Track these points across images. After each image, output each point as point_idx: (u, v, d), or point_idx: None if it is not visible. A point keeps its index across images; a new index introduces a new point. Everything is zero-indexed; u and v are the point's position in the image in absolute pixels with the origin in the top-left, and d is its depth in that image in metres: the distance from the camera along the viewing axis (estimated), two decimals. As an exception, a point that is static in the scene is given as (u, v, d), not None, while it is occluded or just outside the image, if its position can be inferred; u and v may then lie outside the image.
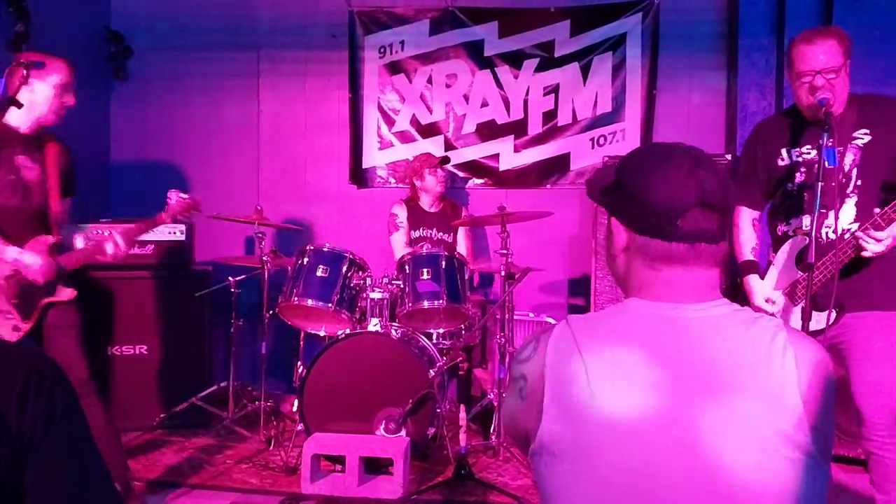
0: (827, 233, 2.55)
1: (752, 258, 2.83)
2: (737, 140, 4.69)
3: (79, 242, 3.13)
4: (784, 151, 2.72)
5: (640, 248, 1.18)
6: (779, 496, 1.02)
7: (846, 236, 2.53)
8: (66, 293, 2.98)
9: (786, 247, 2.70)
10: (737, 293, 2.84)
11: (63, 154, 3.09)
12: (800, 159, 2.67)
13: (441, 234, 4.65)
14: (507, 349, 3.82)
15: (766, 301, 2.72)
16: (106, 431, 3.00)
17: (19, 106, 2.79)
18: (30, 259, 2.87)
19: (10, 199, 2.90)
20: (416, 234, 4.67)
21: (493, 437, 3.85)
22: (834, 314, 2.50)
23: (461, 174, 5.18)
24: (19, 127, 2.94)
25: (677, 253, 1.15)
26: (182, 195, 3.22)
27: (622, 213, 1.21)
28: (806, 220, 2.63)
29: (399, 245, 4.63)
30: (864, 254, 2.45)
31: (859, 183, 2.56)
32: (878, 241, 2.42)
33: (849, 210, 2.58)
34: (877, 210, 2.43)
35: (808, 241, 2.40)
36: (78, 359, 2.97)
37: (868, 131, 2.55)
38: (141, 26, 5.24)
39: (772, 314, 2.67)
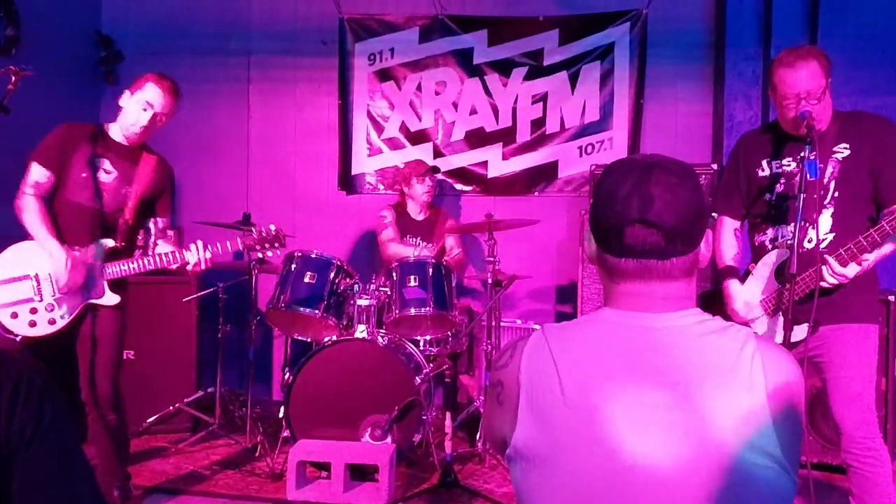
0: (804, 243, 2.58)
1: (731, 264, 2.85)
2: (723, 149, 4.72)
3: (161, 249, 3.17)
4: (765, 163, 2.75)
5: (600, 261, 1.21)
6: (744, 501, 1.04)
7: (822, 246, 2.55)
8: (111, 298, 3.04)
9: (766, 258, 2.72)
10: (715, 300, 2.86)
11: (158, 171, 3.18)
12: (780, 171, 2.70)
13: (425, 243, 4.63)
14: (494, 356, 3.84)
15: (744, 305, 2.73)
16: (116, 444, 3.08)
17: (7, 111, 2.79)
18: (56, 265, 2.91)
19: (78, 196, 3.01)
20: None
21: (479, 444, 3.87)
22: (807, 328, 2.53)
23: (450, 181, 5.20)
24: (116, 136, 3.11)
25: (627, 269, 1.17)
26: (271, 228, 3.24)
27: (590, 223, 1.23)
28: (784, 231, 2.66)
29: (390, 239, 4.61)
30: (822, 284, 2.47)
31: (836, 195, 2.59)
32: (840, 275, 2.45)
33: (825, 221, 2.60)
34: (842, 250, 2.46)
35: (788, 253, 2.43)
36: (108, 374, 3.03)
37: (847, 145, 2.58)
38: (131, 31, 5.24)
39: (749, 319, 2.69)
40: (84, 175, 3.00)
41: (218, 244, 3.08)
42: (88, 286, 2.99)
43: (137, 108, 3.06)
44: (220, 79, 5.28)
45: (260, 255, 3.26)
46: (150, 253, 3.14)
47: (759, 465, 1.04)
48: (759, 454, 1.04)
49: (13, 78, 2.82)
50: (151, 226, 3.24)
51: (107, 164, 3.06)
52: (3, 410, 0.96)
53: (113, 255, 3.05)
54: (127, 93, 3.10)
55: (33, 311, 2.94)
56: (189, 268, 3.05)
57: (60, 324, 2.96)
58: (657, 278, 1.16)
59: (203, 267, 3.05)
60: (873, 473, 2.49)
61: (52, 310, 2.95)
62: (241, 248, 3.18)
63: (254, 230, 3.23)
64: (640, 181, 1.14)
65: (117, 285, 3.06)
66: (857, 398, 2.52)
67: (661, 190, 1.13)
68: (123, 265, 3.03)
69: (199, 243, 3.04)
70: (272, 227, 3.24)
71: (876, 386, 2.65)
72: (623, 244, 1.15)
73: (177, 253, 3.04)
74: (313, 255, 3.94)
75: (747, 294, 2.75)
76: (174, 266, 3.06)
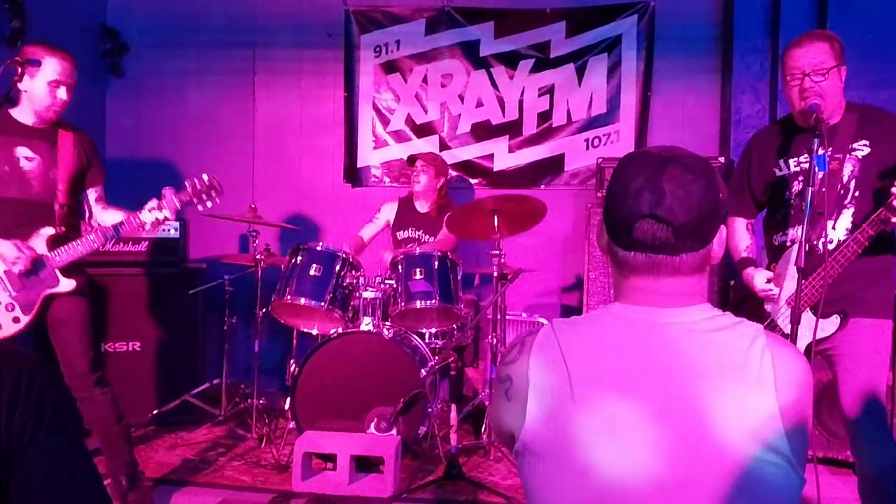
0: (823, 243, 2.52)
1: (746, 255, 2.81)
2: (730, 142, 4.71)
3: (107, 219, 3.15)
4: (781, 162, 2.70)
5: (611, 254, 1.21)
6: (752, 497, 1.03)
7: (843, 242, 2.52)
8: (67, 284, 3.00)
9: (788, 255, 2.64)
10: (727, 297, 2.84)
11: (78, 145, 3.10)
12: (797, 169, 2.64)
13: (427, 236, 4.61)
14: (499, 349, 3.84)
15: (768, 282, 2.66)
16: (111, 424, 3.06)
17: (14, 103, 2.81)
18: (3, 248, 2.88)
19: (5, 191, 2.94)
20: (404, 234, 4.64)
21: (484, 437, 3.87)
22: (838, 319, 2.51)
23: (455, 174, 5.19)
24: (25, 119, 2.98)
25: (635, 262, 1.16)
26: (204, 177, 3.19)
27: (603, 215, 1.23)
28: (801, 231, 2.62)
29: (359, 239, 4.62)
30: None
31: (857, 194, 2.54)
32: None
33: (845, 221, 2.55)
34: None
35: (807, 248, 2.39)
36: (77, 353, 3.01)
37: (867, 142, 2.53)
38: (137, 23, 5.25)
39: (774, 297, 2.65)
40: (7, 168, 2.93)
41: (164, 202, 3.07)
42: (40, 278, 2.95)
43: (47, 88, 2.91)
44: (226, 71, 5.27)
45: (200, 207, 3.19)
46: (96, 227, 3.11)
47: (768, 461, 1.04)
48: (768, 451, 1.04)
49: (19, 70, 2.83)
50: (89, 196, 3.19)
51: (27, 152, 2.97)
52: (3, 408, 0.94)
53: (57, 242, 2.99)
54: (26, 77, 2.90)
55: None
56: (147, 228, 3.08)
57: (25, 320, 2.95)
58: (666, 273, 1.15)
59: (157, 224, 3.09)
60: (882, 466, 2.48)
61: (12, 309, 2.93)
62: (179, 206, 3.12)
63: (187, 184, 3.16)
64: (653, 175, 1.13)
65: (71, 271, 3.02)
66: (869, 391, 2.50)
67: (674, 185, 1.12)
68: (71, 249, 2.99)
69: (154, 202, 3.05)
70: (205, 176, 3.19)
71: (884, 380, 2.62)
72: (632, 238, 1.14)
73: (132, 218, 3.05)
74: (319, 248, 3.94)
75: (772, 280, 2.70)
76: (132, 233, 3.09)
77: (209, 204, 3.19)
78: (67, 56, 2.97)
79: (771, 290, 2.64)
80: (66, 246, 2.99)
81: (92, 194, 3.20)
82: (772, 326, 2.65)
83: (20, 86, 2.93)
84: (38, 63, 2.86)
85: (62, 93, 2.96)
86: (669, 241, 1.13)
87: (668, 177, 1.12)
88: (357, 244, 4.54)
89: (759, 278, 2.68)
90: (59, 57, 2.94)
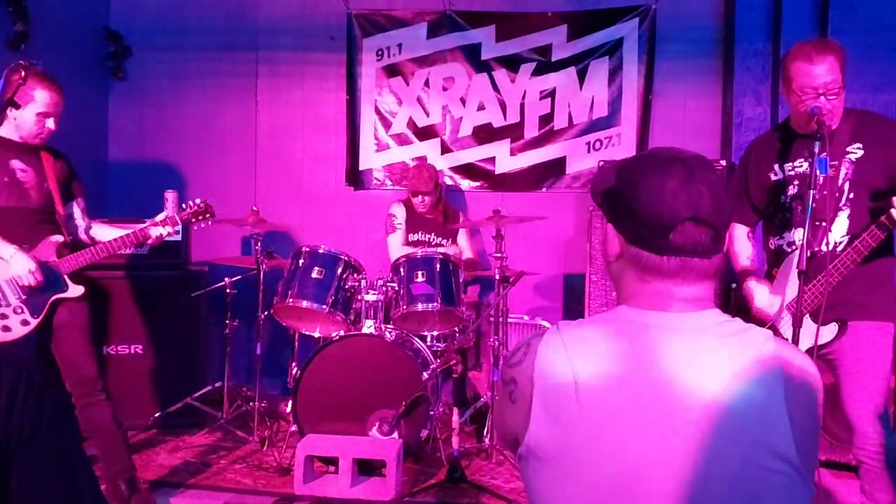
0: (821, 246, 2.52)
1: (747, 265, 2.81)
2: (732, 145, 4.71)
3: (106, 234, 3.27)
4: (776, 166, 2.71)
5: (632, 259, 1.18)
6: None
7: (839, 249, 2.53)
8: (76, 290, 3.08)
9: (789, 261, 2.65)
10: (728, 300, 2.84)
11: (58, 160, 3.19)
12: (792, 173, 2.66)
13: (440, 239, 4.62)
14: (501, 352, 3.84)
15: (768, 301, 2.67)
16: (112, 430, 3.09)
17: (17, 107, 2.82)
18: (18, 265, 2.93)
19: (7, 200, 3.00)
20: (414, 237, 4.65)
21: (487, 440, 3.87)
22: (836, 327, 2.51)
23: (457, 177, 5.20)
24: (11, 136, 3.05)
25: (668, 267, 1.14)
26: (197, 201, 3.39)
27: (616, 221, 1.21)
28: (798, 234, 2.62)
29: (396, 246, 4.59)
30: None
31: (851, 196, 2.55)
32: None
33: (841, 223, 2.56)
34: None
35: (809, 253, 2.39)
36: (85, 357, 3.08)
37: (861, 146, 2.54)
38: (140, 26, 5.25)
39: (774, 316, 2.66)
40: (6, 179, 3.00)
41: (169, 219, 3.27)
42: (50, 282, 3.01)
43: (36, 118, 3.00)
44: (228, 74, 5.28)
45: (195, 227, 3.48)
46: (87, 236, 3.28)
47: (775, 469, 1.03)
48: (776, 458, 1.04)
49: (22, 73, 2.84)
50: (76, 208, 3.29)
51: (20, 164, 3.05)
52: (2, 407, 0.94)
53: (64, 249, 3.10)
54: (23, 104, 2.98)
55: (3, 316, 2.97)
56: (150, 242, 3.25)
57: (34, 322, 3.00)
58: (695, 277, 1.15)
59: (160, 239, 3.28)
60: (885, 470, 2.48)
61: (21, 311, 2.99)
62: (180, 222, 3.32)
63: (186, 206, 3.38)
64: (687, 179, 1.12)
65: (78, 278, 3.11)
66: (871, 395, 2.50)
67: (705, 187, 1.12)
68: (79, 256, 3.09)
69: (161, 216, 3.26)
70: (198, 200, 3.39)
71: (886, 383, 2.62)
72: (669, 242, 1.13)
73: (138, 232, 3.19)
74: (321, 251, 3.95)
75: (773, 295, 2.70)
76: (128, 249, 3.27)
77: (202, 225, 3.43)
78: (57, 87, 3.04)
79: (767, 311, 2.65)
80: (75, 254, 3.09)
81: (77, 207, 3.30)
82: (773, 331, 2.64)
83: (9, 112, 2.97)
84: (40, 67, 2.88)
85: (51, 123, 3.06)
86: (707, 244, 1.13)
87: (699, 179, 1.12)
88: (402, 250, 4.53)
89: (760, 295, 2.69)
90: (49, 89, 3.01)
